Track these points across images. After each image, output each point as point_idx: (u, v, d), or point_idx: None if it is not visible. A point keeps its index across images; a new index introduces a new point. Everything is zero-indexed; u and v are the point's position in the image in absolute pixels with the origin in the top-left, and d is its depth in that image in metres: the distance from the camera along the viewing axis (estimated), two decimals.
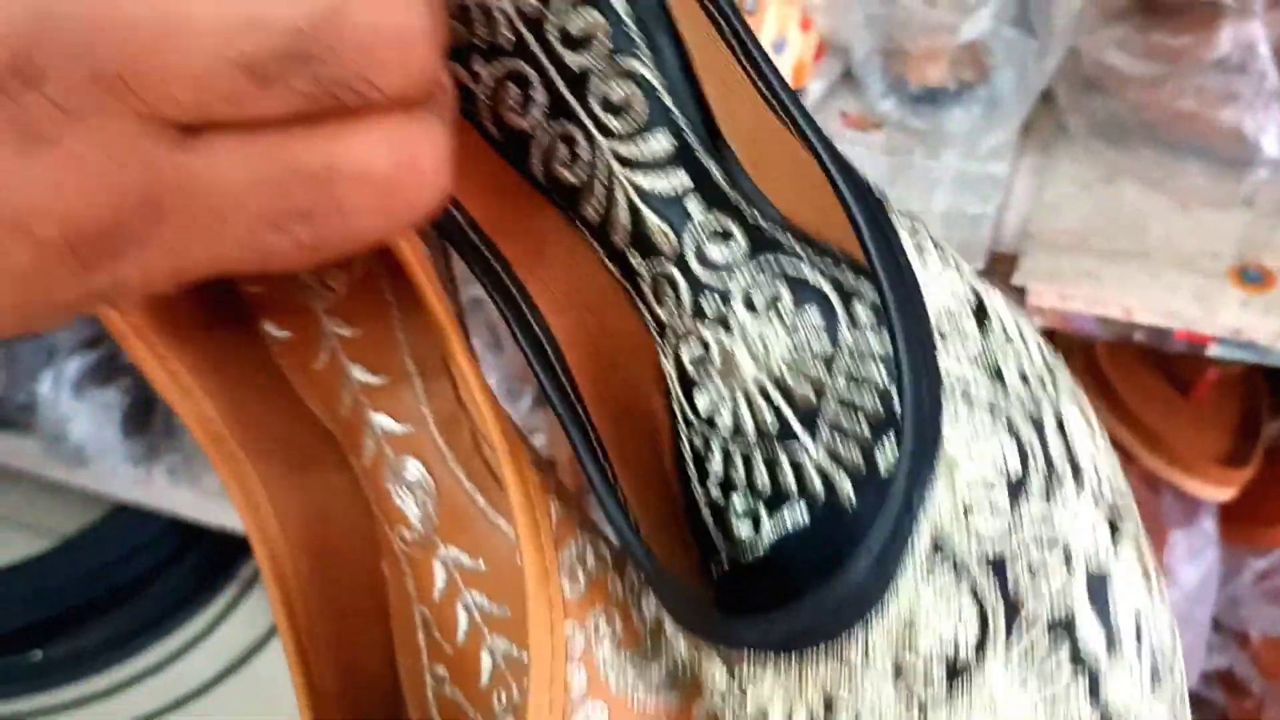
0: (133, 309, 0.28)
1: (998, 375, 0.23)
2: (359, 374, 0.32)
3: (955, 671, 0.21)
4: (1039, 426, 0.22)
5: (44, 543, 1.40)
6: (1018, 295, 0.72)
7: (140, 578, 1.38)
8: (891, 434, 0.25)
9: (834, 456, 0.26)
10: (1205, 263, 0.70)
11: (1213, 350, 0.69)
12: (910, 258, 0.23)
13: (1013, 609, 0.21)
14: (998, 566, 0.21)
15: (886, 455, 0.25)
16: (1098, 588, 0.22)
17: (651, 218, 0.27)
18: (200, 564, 1.39)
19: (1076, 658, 0.22)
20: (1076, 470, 0.23)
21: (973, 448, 0.21)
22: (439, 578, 0.32)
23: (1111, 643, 0.22)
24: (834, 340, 0.26)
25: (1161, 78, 0.70)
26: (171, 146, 0.18)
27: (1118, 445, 0.87)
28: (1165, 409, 0.86)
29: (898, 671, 0.21)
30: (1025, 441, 0.22)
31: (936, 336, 0.22)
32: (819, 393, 0.26)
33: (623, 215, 0.28)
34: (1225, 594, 0.88)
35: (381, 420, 0.32)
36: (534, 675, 0.26)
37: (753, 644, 0.22)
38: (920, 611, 0.21)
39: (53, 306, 0.19)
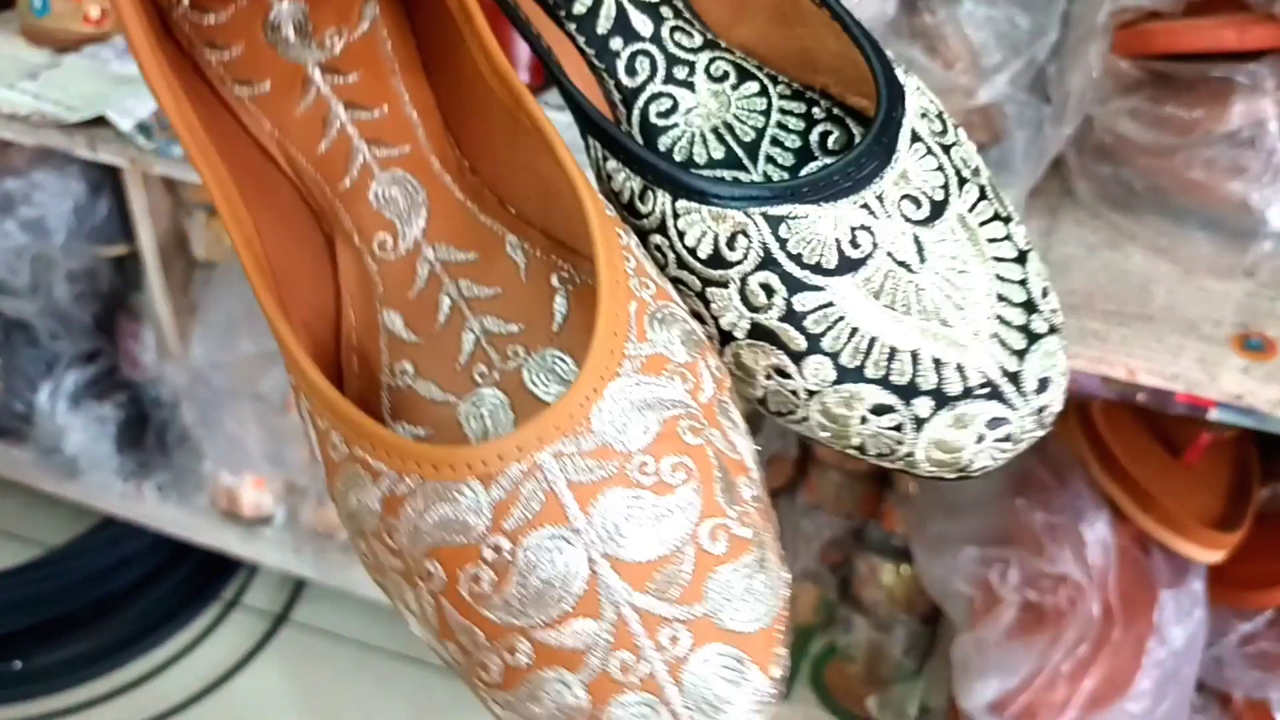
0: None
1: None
2: (353, 113, 0.37)
3: (936, 206, 0.34)
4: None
5: (30, 552, 1.40)
6: None
7: (123, 592, 1.38)
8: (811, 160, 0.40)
9: (765, 175, 0.40)
10: (1208, 329, 0.72)
11: (1213, 415, 0.70)
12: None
13: (961, 178, 0.35)
14: (947, 150, 0.35)
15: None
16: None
17: (636, 13, 0.40)
18: (184, 582, 1.39)
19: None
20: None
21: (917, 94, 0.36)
22: (419, 275, 0.36)
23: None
24: (767, 103, 0.40)
25: (1172, 148, 0.72)
26: None
27: (1111, 503, 0.89)
28: (1158, 470, 0.88)
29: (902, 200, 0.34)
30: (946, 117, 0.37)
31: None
32: (758, 136, 0.40)
33: (610, 8, 0.40)
34: (1210, 655, 0.90)
35: (373, 149, 0.37)
36: (603, 279, 0.29)
37: (798, 193, 0.33)
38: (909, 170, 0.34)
39: None
